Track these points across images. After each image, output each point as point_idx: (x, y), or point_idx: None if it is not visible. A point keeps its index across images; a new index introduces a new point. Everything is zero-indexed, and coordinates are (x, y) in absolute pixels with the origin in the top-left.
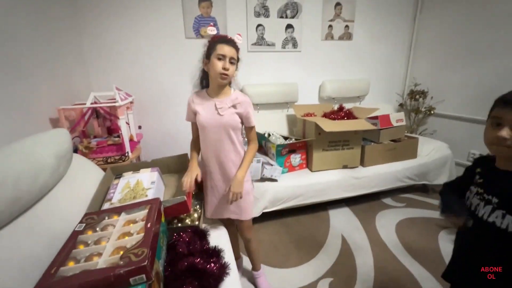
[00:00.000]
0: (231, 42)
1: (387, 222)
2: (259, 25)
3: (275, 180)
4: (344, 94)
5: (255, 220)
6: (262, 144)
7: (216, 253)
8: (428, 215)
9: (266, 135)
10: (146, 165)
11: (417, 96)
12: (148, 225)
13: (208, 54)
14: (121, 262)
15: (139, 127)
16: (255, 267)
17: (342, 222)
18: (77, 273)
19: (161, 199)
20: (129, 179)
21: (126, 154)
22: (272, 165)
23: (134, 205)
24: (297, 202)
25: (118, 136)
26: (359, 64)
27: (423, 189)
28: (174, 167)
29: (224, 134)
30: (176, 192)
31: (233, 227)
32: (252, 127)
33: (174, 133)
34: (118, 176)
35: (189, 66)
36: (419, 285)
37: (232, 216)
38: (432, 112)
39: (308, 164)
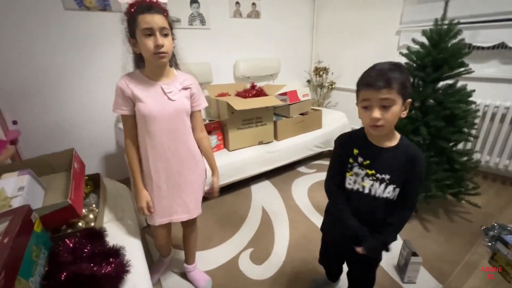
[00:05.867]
0: (154, 8)
1: (301, 188)
2: None
3: None
4: (258, 73)
5: None
6: None
7: (114, 252)
8: None
9: None
10: (12, 167)
11: (321, 73)
12: (5, 240)
13: (131, 32)
14: None
15: (14, 122)
16: (193, 260)
17: (263, 194)
18: None
19: (40, 205)
20: None
21: None
22: None
23: None
24: (219, 182)
25: None
26: (269, 43)
27: (329, 155)
28: (59, 165)
29: (178, 123)
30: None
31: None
32: (200, 111)
33: (63, 125)
34: None
35: (71, 43)
36: None
37: (183, 216)
38: (333, 86)
39: (225, 144)
